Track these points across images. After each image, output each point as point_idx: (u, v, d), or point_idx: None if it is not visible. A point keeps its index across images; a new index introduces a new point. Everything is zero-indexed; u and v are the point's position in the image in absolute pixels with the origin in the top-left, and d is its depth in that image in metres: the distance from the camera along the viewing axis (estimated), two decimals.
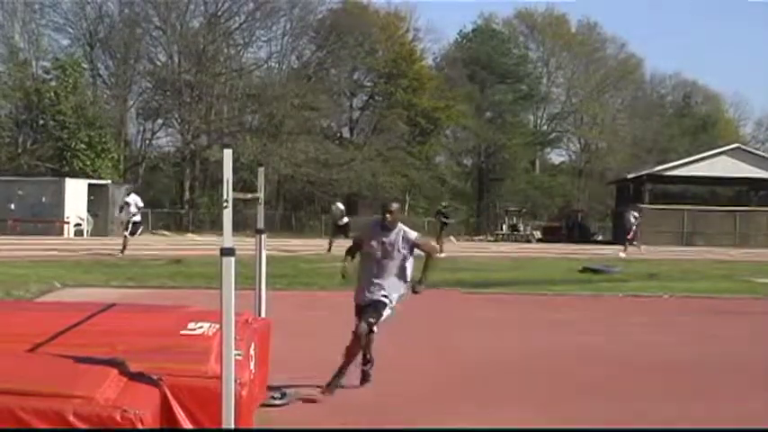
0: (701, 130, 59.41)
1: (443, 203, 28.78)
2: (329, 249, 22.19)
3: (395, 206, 6.48)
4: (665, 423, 5.83)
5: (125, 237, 20.31)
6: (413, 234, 6.43)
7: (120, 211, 21.24)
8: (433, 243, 23.79)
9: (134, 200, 20.65)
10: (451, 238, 25.80)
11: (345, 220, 24.09)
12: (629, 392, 6.78)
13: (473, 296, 13.78)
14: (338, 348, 6.08)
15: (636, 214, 27.64)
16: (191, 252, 20.95)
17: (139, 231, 21.10)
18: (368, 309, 6.31)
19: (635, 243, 26.36)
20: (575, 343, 9.15)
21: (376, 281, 6.36)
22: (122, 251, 19.86)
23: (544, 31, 57.88)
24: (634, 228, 26.83)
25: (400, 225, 6.43)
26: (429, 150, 50.41)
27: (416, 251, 6.51)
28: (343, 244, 21.37)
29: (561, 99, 58.65)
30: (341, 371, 6.12)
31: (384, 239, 6.39)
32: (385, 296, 6.33)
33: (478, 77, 53.31)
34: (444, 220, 25.31)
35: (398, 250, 6.36)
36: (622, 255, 24.79)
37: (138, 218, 20.68)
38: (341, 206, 24.60)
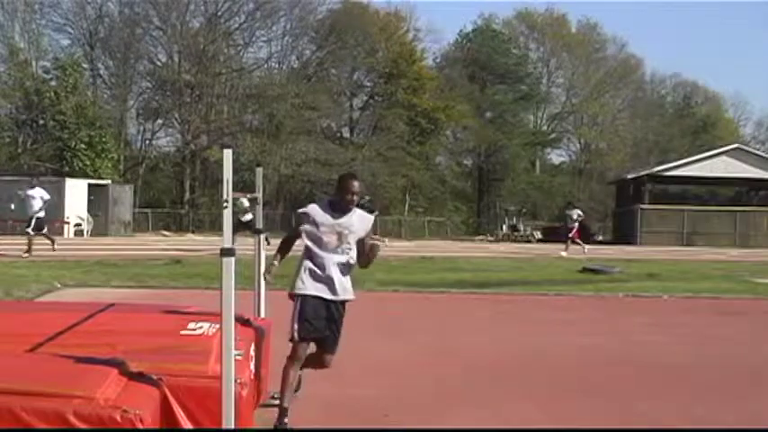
0: (701, 130, 59.49)
1: (367, 197, 27.36)
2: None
3: (358, 184, 5.31)
4: (665, 423, 5.83)
5: (29, 235, 18.87)
6: (370, 218, 5.44)
7: (19, 209, 19.35)
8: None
9: (39, 193, 19.28)
10: (385, 240, 25.13)
11: (249, 216, 22.41)
12: (629, 392, 6.78)
13: (473, 296, 13.77)
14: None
15: (579, 212, 27.45)
16: (191, 252, 20.95)
17: (45, 229, 19.78)
18: (337, 323, 5.27)
19: (578, 242, 25.99)
20: (575, 343, 9.15)
21: (326, 277, 5.23)
22: (28, 251, 18.37)
23: (544, 32, 57.96)
24: (576, 226, 26.50)
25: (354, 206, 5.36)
26: (429, 150, 50.45)
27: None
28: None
29: (561, 99, 58.77)
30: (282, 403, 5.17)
31: (339, 224, 5.23)
32: (342, 303, 5.29)
33: (478, 77, 53.37)
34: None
35: (353, 238, 5.27)
36: (563, 254, 24.46)
37: (42, 213, 19.28)
38: (245, 201, 22.76)
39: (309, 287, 5.21)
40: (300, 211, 5.39)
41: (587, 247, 25.97)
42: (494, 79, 54.70)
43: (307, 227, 5.25)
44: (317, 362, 5.40)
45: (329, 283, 5.21)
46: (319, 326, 5.22)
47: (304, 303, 5.20)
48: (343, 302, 5.28)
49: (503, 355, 8.35)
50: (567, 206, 28.83)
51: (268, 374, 5.63)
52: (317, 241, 5.22)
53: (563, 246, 25.83)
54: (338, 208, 5.28)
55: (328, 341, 5.30)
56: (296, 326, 5.17)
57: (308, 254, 5.26)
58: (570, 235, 26.40)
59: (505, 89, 55.29)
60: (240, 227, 22.20)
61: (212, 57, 45.38)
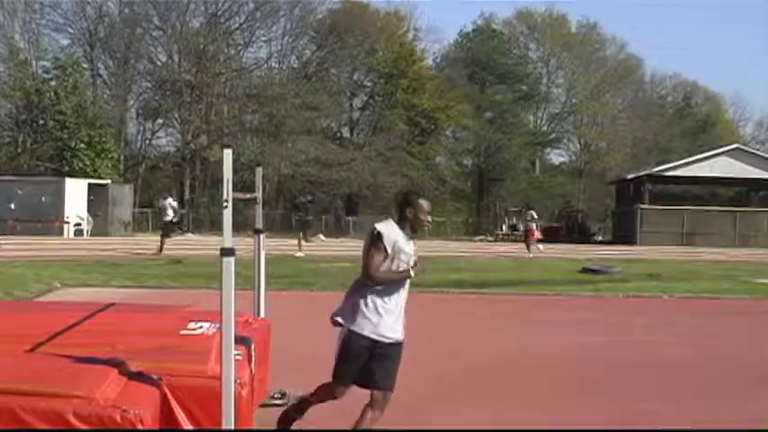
0: (700, 130, 59.46)
1: (308, 197, 26.36)
2: (161, 249, 20.83)
3: (429, 204, 4.72)
4: (665, 423, 5.83)
5: None
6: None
7: None
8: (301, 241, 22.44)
9: None
10: (321, 235, 24.81)
11: (170, 216, 22.22)
12: (629, 392, 6.78)
13: (473, 296, 13.77)
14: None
15: (533, 214, 27.10)
16: (191, 252, 20.95)
17: None
18: (390, 361, 4.66)
19: (529, 243, 25.67)
20: (575, 343, 9.15)
21: (397, 311, 4.65)
22: None
23: (544, 31, 57.91)
24: (533, 227, 26.30)
25: None
26: (429, 150, 50.43)
27: None
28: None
29: (561, 99, 58.70)
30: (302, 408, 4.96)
31: (411, 251, 4.66)
32: (400, 344, 4.73)
33: (478, 77, 53.35)
34: (300, 215, 23.69)
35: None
36: (540, 248, 24.59)
37: None
38: (173, 202, 22.51)
39: (372, 326, 4.55)
40: (379, 230, 4.54)
41: (541, 246, 25.75)
42: (494, 79, 54.67)
43: (388, 252, 4.51)
44: (374, 403, 4.68)
45: (395, 319, 4.62)
46: (365, 369, 4.64)
47: (356, 343, 4.58)
48: (401, 343, 4.71)
49: (503, 355, 8.35)
50: (526, 208, 28.67)
51: (268, 374, 5.63)
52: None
53: (562, 246, 25.82)
54: (407, 233, 4.63)
55: (378, 379, 4.66)
56: (341, 366, 4.66)
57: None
58: (529, 237, 26.32)
59: (505, 89, 55.25)
60: (168, 227, 21.85)
61: (212, 57, 45.38)
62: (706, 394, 6.82)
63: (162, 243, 21.16)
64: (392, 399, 4.80)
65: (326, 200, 46.07)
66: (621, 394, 6.73)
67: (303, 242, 22.71)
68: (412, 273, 4.56)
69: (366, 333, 4.55)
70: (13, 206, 30.43)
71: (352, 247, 27.64)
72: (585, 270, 18.63)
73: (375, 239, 4.51)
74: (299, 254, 21.41)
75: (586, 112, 57.37)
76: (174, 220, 22.44)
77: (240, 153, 38.95)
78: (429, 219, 4.70)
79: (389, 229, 4.55)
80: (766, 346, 9.55)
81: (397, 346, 4.67)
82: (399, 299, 4.63)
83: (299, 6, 47.66)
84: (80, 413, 3.42)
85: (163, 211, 22.51)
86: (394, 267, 4.53)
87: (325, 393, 4.84)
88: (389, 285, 4.55)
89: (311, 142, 45.12)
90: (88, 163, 38.43)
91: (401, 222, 4.63)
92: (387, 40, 49.20)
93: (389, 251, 4.50)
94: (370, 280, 4.51)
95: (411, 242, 4.66)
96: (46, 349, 4.32)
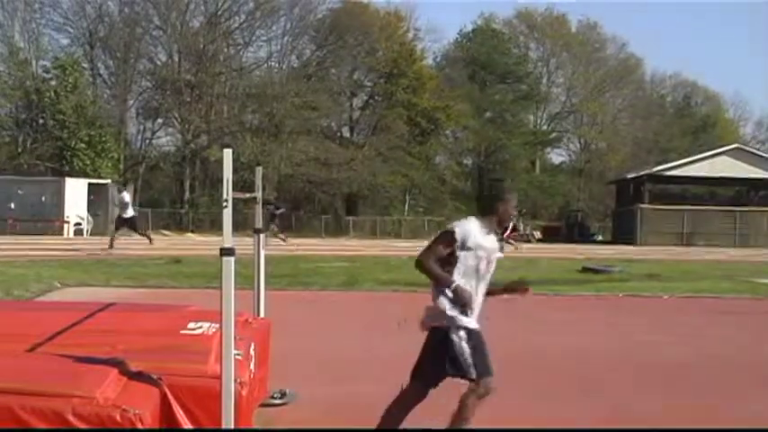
0: (701, 130, 59.45)
1: (273, 194, 26.42)
2: (111, 245, 20.16)
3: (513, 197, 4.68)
4: (665, 423, 5.83)
5: None
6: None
7: None
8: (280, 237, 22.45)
9: None
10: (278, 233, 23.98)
11: (131, 212, 21.18)
12: (629, 392, 6.78)
13: None
14: (338, 347, 6.04)
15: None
16: (191, 252, 20.94)
17: None
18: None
19: (511, 242, 25.21)
20: (575, 343, 9.15)
21: (476, 307, 4.60)
22: None
23: (544, 31, 57.92)
24: (515, 223, 26.13)
25: None
26: (429, 150, 50.44)
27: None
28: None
29: (561, 99, 58.71)
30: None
31: (494, 248, 4.59)
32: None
33: (478, 77, 53.36)
34: (276, 211, 23.50)
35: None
36: (514, 249, 24.24)
37: None
38: (126, 196, 21.37)
39: (471, 319, 4.54)
40: (453, 228, 4.50)
41: (525, 246, 25.59)
42: (494, 79, 54.69)
43: (464, 251, 4.45)
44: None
45: (474, 314, 4.58)
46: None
47: (476, 336, 4.55)
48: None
49: (503, 354, 8.32)
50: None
51: (268, 374, 5.63)
52: (473, 267, 4.50)
53: (562, 246, 25.77)
54: (491, 227, 4.57)
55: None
56: (481, 364, 4.58)
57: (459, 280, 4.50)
58: (504, 235, 26.06)
59: (505, 89, 55.27)
60: (121, 224, 21.16)
61: (212, 56, 45.39)
62: (706, 394, 6.82)
63: (146, 235, 20.71)
64: (393, 398, 4.80)
65: (326, 199, 46.10)
66: (621, 394, 6.73)
67: (277, 233, 22.75)
68: (452, 286, 4.43)
69: (475, 325, 4.53)
70: (13, 206, 30.43)
71: (352, 246, 27.64)
72: (585, 270, 18.63)
73: (446, 233, 4.50)
74: (282, 236, 21.45)
75: (586, 112, 57.39)
76: (126, 216, 21.07)
77: (240, 153, 38.96)
78: (515, 213, 4.69)
79: (465, 226, 4.50)
80: (766, 346, 9.54)
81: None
82: (479, 297, 4.58)
83: (298, 6, 47.70)
84: (80, 413, 3.42)
85: (122, 205, 21.24)
86: (472, 263, 4.47)
87: (476, 397, 4.73)
88: (470, 285, 4.47)
89: (311, 142, 45.13)
90: (88, 163, 38.45)
91: (487, 216, 4.58)
92: (387, 39, 49.19)
93: (461, 244, 4.43)
94: (419, 260, 4.50)
95: (490, 236, 4.57)
96: (46, 349, 4.32)
